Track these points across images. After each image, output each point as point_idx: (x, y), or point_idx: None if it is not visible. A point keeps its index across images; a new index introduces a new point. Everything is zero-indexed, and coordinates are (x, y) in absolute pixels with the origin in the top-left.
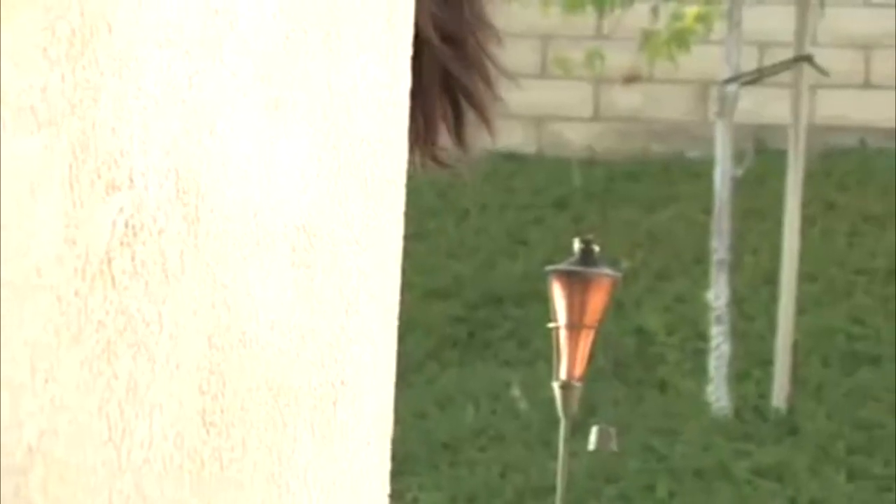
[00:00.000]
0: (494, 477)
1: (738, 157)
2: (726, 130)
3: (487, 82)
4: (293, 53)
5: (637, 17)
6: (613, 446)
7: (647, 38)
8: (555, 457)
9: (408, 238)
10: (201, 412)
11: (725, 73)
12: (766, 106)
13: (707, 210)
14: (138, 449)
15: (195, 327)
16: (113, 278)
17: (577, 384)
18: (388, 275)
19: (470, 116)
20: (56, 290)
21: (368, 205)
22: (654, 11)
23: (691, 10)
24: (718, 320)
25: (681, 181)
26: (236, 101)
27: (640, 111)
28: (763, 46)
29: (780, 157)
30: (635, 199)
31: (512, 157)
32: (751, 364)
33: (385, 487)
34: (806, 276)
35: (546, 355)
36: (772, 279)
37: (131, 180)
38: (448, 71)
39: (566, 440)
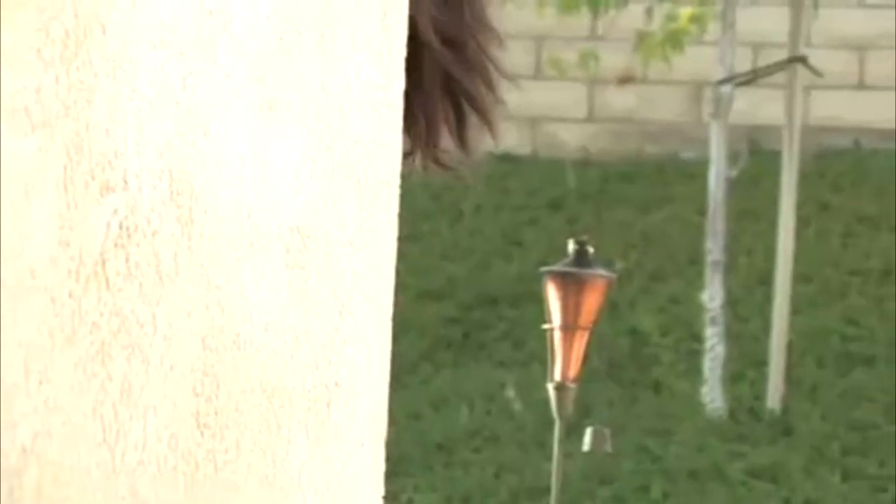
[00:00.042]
0: (489, 478)
1: (733, 157)
2: (721, 131)
3: (489, 85)
4: (287, 54)
5: (631, 18)
6: (608, 447)
7: (642, 38)
8: (549, 458)
9: (402, 239)
10: (195, 414)
11: (720, 74)
12: (760, 107)
13: (701, 211)
14: (132, 450)
15: (189, 329)
16: (107, 280)
17: (572, 385)
18: (382, 276)
19: (472, 119)
20: (50, 291)
21: (362, 206)
22: (649, 12)
23: (685, 11)
24: (713, 321)
25: (675, 182)
26: (230, 102)
27: (634, 112)
28: (757, 47)
29: (775, 157)
30: (630, 200)
31: (506, 159)
32: (745, 365)
33: (379, 489)
34: (800, 277)
35: (540, 356)
36: (766, 280)
37: (125, 182)
38: (449, 74)
39: (561, 441)
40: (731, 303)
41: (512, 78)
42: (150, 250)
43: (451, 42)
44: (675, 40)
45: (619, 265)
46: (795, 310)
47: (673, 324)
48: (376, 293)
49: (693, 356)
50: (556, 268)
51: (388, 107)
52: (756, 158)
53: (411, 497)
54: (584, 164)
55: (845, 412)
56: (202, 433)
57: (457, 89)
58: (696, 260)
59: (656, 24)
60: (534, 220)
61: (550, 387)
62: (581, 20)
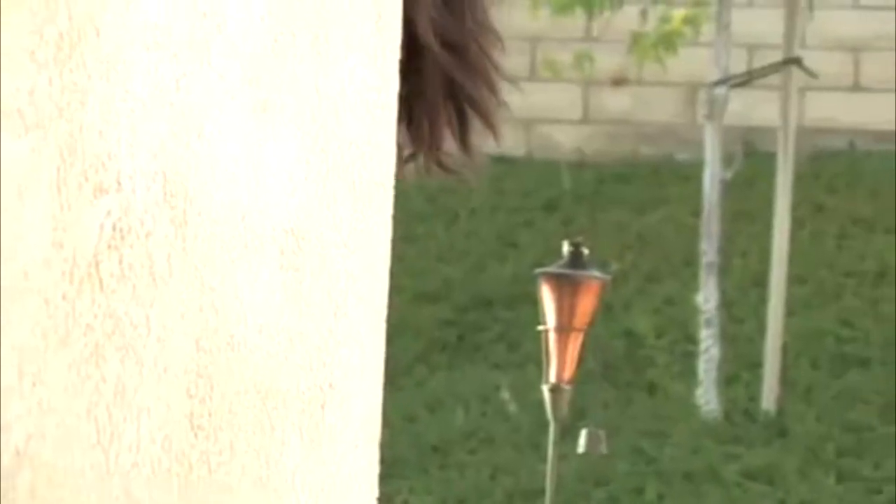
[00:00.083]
0: (484, 479)
1: (728, 159)
2: (715, 133)
3: (491, 88)
4: (281, 56)
5: (626, 20)
6: (603, 449)
7: (636, 40)
8: (544, 459)
9: (397, 241)
10: (189, 415)
11: (714, 76)
12: (755, 108)
13: (696, 212)
14: (126, 452)
15: (183, 330)
16: (101, 281)
17: (567, 387)
18: (377, 277)
19: (474, 122)
20: (44, 293)
21: (357, 208)
22: (643, 14)
23: (679, 13)
24: (708, 323)
25: (670, 184)
26: (224, 103)
27: (629, 114)
28: (752, 49)
29: (770, 159)
30: (625, 202)
31: (501, 160)
32: (740, 366)
33: (373, 490)
34: (795, 279)
35: (536, 358)
36: (761, 282)
37: (119, 183)
38: (452, 77)
39: (556, 443)
40: (725, 304)
41: (513, 81)
42: (144, 252)
43: (452, 46)
44: (668, 42)
45: (614, 267)
46: (790, 311)
47: (668, 325)
48: (371, 295)
49: (688, 358)
50: (551, 269)
51: (383, 108)
52: (751, 160)
53: (406, 499)
54: (578, 165)
55: (840, 414)
56: (196, 435)
57: (459, 93)
58: (690, 261)
59: (651, 26)
60: (529, 221)
61: (545, 388)
62: (576, 21)
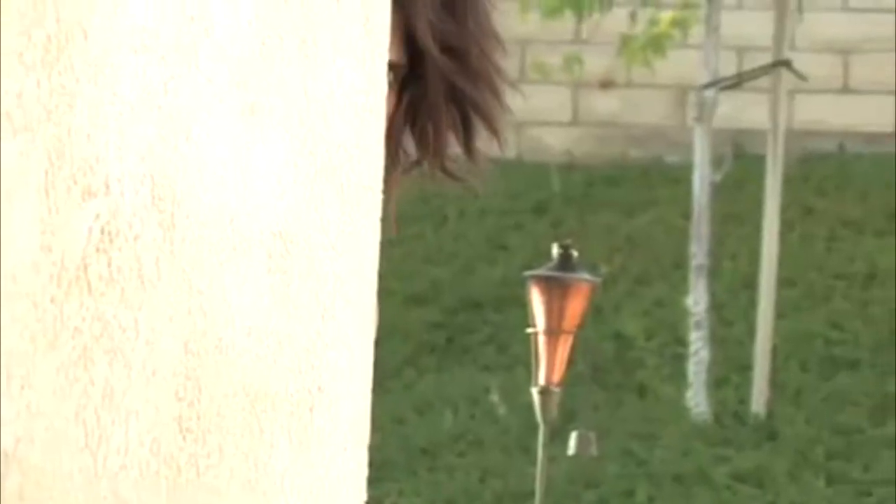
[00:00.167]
0: (473, 482)
1: (717, 161)
2: (705, 135)
3: (494, 93)
4: (269, 59)
5: (616, 22)
6: (593, 451)
7: (626, 42)
8: (534, 462)
9: (386, 243)
10: (178, 418)
11: (704, 78)
12: (744, 111)
13: (686, 215)
14: (115, 455)
15: (171, 333)
16: (89, 284)
17: (556, 389)
18: (365, 280)
19: (478, 127)
20: (32, 296)
21: (345, 210)
22: (633, 16)
23: (668, 15)
24: (697, 325)
25: (659, 186)
26: (212, 106)
27: (618, 116)
28: (741, 51)
29: (759, 161)
30: (614, 204)
31: (490, 162)
32: (730, 369)
33: (362, 494)
34: (785, 281)
35: (525, 360)
36: (751, 284)
37: (107, 186)
38: (454, 82)
39: (545, 445)
40: (715, 307)
41: (514, 85)
42: (132, 255)
43: (453, 50)
44: (656, 44)
45: (604, 269)
46: (780, 314)
47: (657, 328)
48: (359, 297)
49: (678, 360)
50: (541, 272)
51: (371, 111)
52: (740, 162)
53: (396, 501)
54: (568, 167)
55: (829, 416)
56: (184, 437)
57: (462, 98)
58: (680, 264)
59: (640, 28)
60: (518, 224)
61: (535, 391)
62: (565, 24)
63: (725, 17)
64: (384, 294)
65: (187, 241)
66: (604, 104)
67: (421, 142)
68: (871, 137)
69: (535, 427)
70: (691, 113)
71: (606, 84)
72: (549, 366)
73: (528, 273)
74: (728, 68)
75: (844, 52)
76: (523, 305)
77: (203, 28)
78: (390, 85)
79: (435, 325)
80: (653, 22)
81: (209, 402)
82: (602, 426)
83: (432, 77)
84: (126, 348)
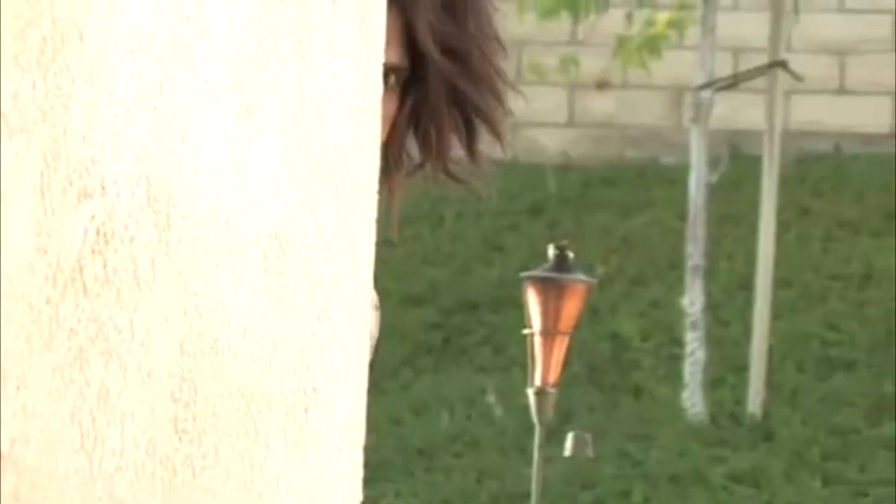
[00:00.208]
0: (470, 483)
1: (713, 162)
2: (701, 136)
3: (496, 95)
4: (265, 60)
5: (612, 23)
6: (589, 452)
7: (622, 43)
8: (530, 463)
9: (382, 245)
10: (173, 419)
11: (700, 79)
12: (740, 111)
13: (682, 216)
14: (110, 456)
15: (167, 334)
16: (84, 286)
17: (552, 390)
18: (360, 281)
19: (481, 129)
20: (28, 297)
21: (340, 211)
22: (629, 17)
23: (663, 16)
24: (693, 326)
25: (655, 187)
26: (208, 107)
27: (614, 117)
28: (737, 52)
29: (755, 162)
30: (610, 205)
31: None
32: (726, 370)
33: (357, 494)
34: (781, 282)
35: (521, 361)
36: (747, 285)
37: (103, 188)
38: (455, 84)
39: (541, 446)
40: (711, 307)
41: (515, 87)
42: (128, 256)
43: (454, 53)
44: (652, 45)
45: (600, 270)
46: (776, 314)
47: (653, 328)
48: (354, 298)
49: (674, 361)
50: (537, 273)
51: (366, 112)
52: (736, 163)
53: (392, 502)
54: (564, 168)
55: (826, 417)
56: (180, 438)
57: (463, 100)
58: (676, 265)
59: (636, 29)
60: (514, 225)
61: (531, 392)
62: (561, 25)
63: (721, 18)
64: (380, 295)
65: (183, 242)
66: (600, 105)
67: (424, 144)
68: (868, 138)
69: (531, 428)
70: (687, 114)
71: (602, 85)
72: (545, 367)
73: (524, 274)
74: (724, 69)
75: (841, 52)
76: (519, 306)
77: (199, 29)
78: (393, 88)
79: (431, 326)
80: (649, 23)
81: (205, 403)
82: (598, 427)
83: (434, 80)
84: (122, 349)
